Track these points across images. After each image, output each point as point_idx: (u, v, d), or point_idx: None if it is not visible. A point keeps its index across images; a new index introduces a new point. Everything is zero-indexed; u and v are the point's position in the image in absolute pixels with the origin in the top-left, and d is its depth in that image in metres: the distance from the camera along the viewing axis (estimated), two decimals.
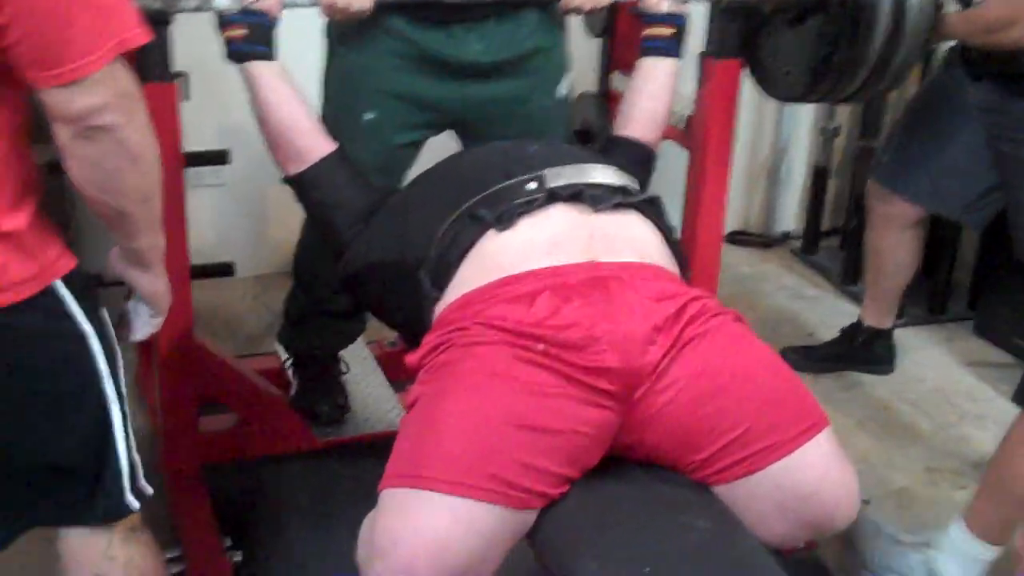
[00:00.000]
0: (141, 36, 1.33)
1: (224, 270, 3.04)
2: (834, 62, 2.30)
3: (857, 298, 3.66)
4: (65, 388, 1.44)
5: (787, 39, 2.44)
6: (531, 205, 1.83)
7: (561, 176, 1.89)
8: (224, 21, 2.06)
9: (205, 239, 3.32)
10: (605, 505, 1.68)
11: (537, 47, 2.32)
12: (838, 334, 3.26)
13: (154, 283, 1.64)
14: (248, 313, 3.40)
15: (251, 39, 2.05)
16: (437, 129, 2.39)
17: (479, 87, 2.29)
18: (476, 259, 1.82)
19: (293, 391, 2.63)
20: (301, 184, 2.10)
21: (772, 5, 2.40)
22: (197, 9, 2.02)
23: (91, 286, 1.46)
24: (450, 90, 2.28)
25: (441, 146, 2.40)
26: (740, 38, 2.43)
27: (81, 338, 1.43)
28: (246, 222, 3.54)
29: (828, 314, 3.60)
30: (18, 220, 1.36)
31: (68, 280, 1.41)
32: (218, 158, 2.71)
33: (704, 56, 2.45)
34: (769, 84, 2.54)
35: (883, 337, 3.17)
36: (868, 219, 3.09)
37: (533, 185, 1.87)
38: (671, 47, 2.30)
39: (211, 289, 3.32)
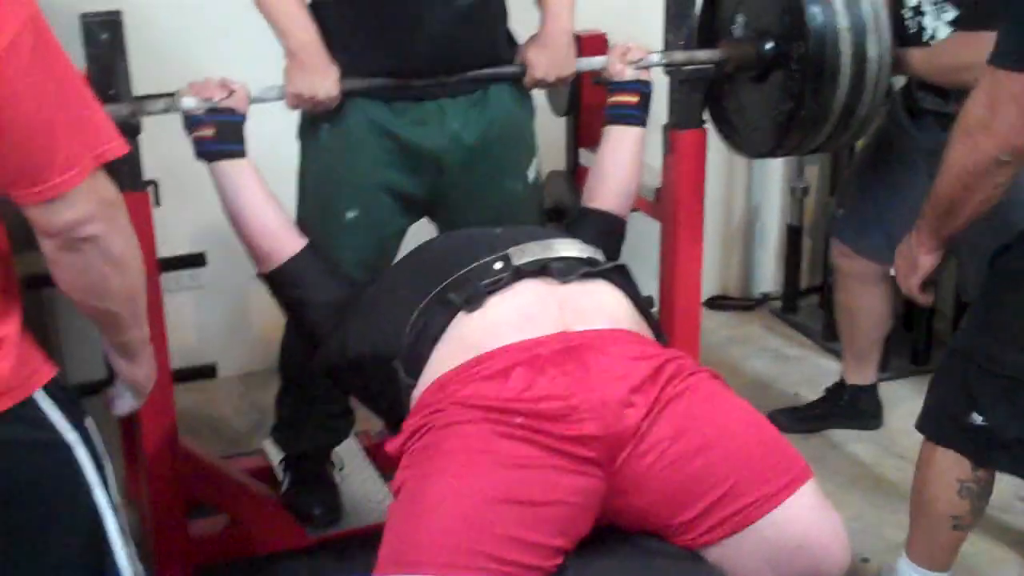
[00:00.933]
0: (119, 147, 1.33)
1: (206, 372, 3.03)
2: (799, 116, 2.34)
3: (838, 355, 3.64)
4: (54, 503, 1.39)
5: (752, 97, 2.49)
6: (498, 284, 1.86)
7: (526, 253, 1.91)
8: (191, 122, 2.08)
9: (186, 342, 3.31)
10: None
11: (510, 122, 2.36)
12: (823, 393, 3.26)
13: (137, 371, 1.65)
14: (233, 413, 3.38)
15: (220, 138, 2.07)
16: (418, 216, 2.42)
17: (455, 175, 2.31)
18: (448, 342, 1.83)
19: (284, 488, 2.61)
20: (273, 282, 2.14)
21: (734, 65, 2.44)
22: (165, 111, 2.05)
23: (73, 395, 1.43)
24: (427, 181, 2.31)
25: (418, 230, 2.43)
26: (702, 106, 2.47)
27: (66, 448, 1.39)
28: (226, 322, 3.54)
29: (812, 373, 3.60)
30: (1, 330, 1.34)
31: (49, 389, 1.38)
32: (195, 261, 2.72)
33: (668, 128, 2.48)
34: (737, 142, 2.58)
35: (868, 393, 3.17)
36: (835, 278, 3.11)
37: (499, 265, 1.89)
38: (636, 115, 2.34)
39: (196, 391, 3.32)
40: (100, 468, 1.43)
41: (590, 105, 2.83)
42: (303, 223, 2.27)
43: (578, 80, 2.80)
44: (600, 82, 2.39)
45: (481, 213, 2.31)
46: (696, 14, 2.45)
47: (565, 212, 2.92)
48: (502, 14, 2.32)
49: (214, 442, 3.17)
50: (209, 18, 3.07)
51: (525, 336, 1.77)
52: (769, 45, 2.38)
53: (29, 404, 1.35)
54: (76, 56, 2.14)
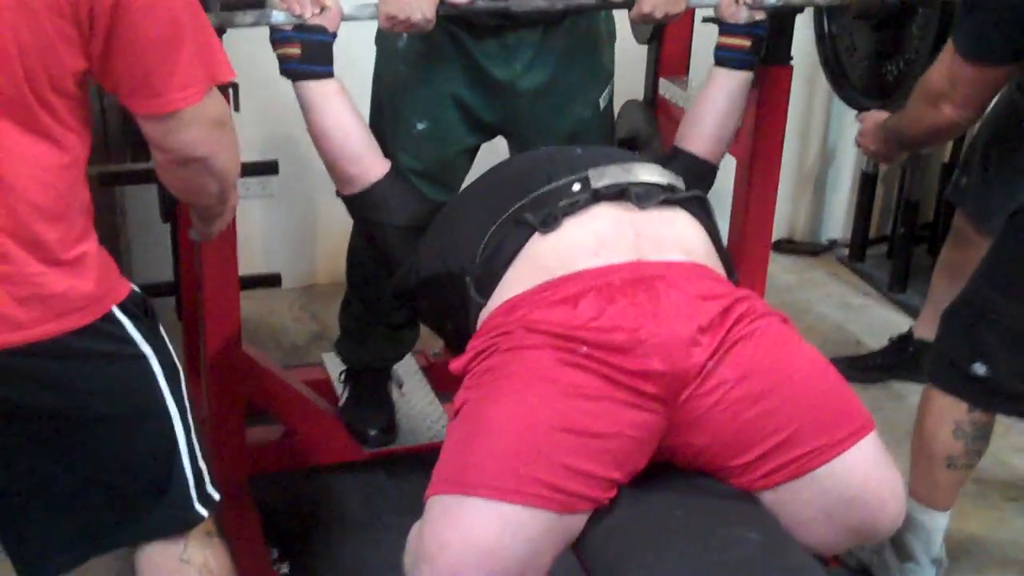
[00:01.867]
0: (230, 71, 1.45)
1: (272, 281, 3.05)
2: (912, 76, 2.28)
3: (904, 307, 3.63)
4: (128, 410, 1.48)
5: (869, 44, 2.45)
6: (575, 206, 1.84)
7: (605, 176, 1.88)
8: (278, 38, 2.02)
9: (253, 250, 3.33)
10: (654, 517, 1.67)
11: (588, 50, 2.32)
12: (887, 344, 3.22)
13: (211, 228, 1.81)
14: (294, 324, 3.41)
15: (306, 58, 2.01)
16: (488, 136, 2.40)
17: (525, 103, 2.29)
18: (521, 263, 1.82)
19: (342, 402, 2.64)
20: (354, 205, 2.12)
21: (856, 10, 2.37)
22: (254, 24, 2.00)
23: (148, 308, 1.51)
24: (498, 104, 2.29)
25: (495, 149, 2.41)
26: (790, 41, 2.41)
27: (141, 359, 1.47)
28: (293, 233, 3.55)
29: (875, 323, 3.57)
30: (81, 248, 1.41)
31: (124, 305, 1.46)
32: (267, 169, 2.72)
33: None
34: (846, 89, 2.55)
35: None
36: (952, 236, 3.02)
37: (577, 186, 1.87)
38: (748, 59, 2.24)
39: (258, 300, 3.35)
40: (173, 378, 1.51)
41: (673, 34, 2.78)
42: (374, 129, 2.26)
43: None
44: (712, 21, 2.29)
45: (549, 138, 2.29)
46: None
47: (640, 143, 2.88)
48: None
49: (275, 352, 3.21)
50: None
51: (599, 262, 1.76)
52: None
53: (108, 318, 1.43)
54: None
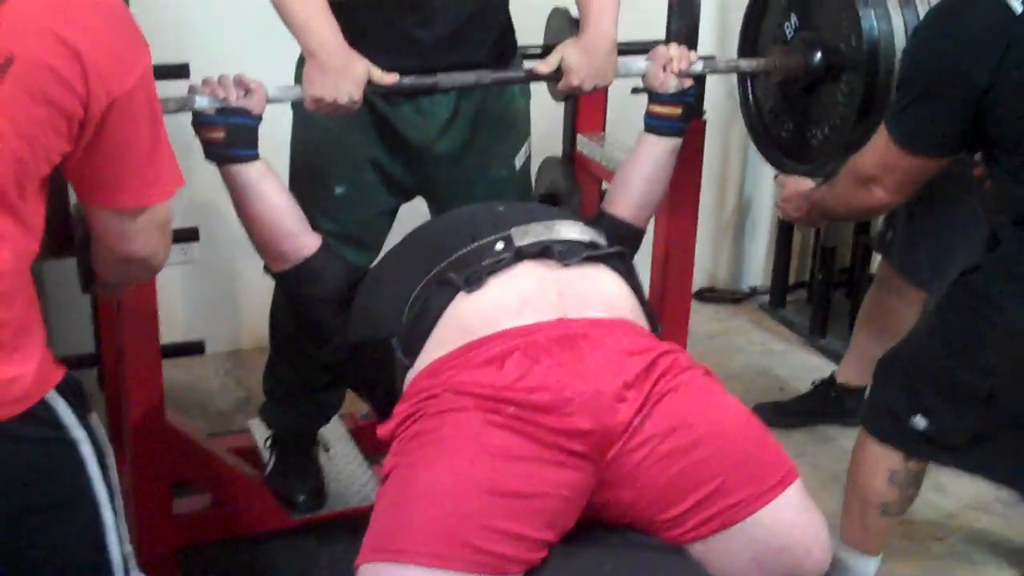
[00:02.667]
0: (181, 180, 1.54)
1: (195, 348, 3.02)
2: (842, 141, 2.31)
3: (825, 351, 3.69)
4: (59, 494, 1.47)
5: (796, 108, 2.47)
6: (499, 265, 1.85)
7: (528, 234, 1.90)
8: (200, 121, 1.97)
9: (175, 317, 3.30)
10: (584, 574, 1.67)
11: (504, 111, 2.34)
12: (810, 388, 3.26)
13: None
14: (220, 390, 3.38)
15: (231, 142, 1.96)
16: (408, 197, 2.40)
17: (442, 166, 2.30)
18: (446, 324, 1.82)
19: (268, 469, 2.61)
20: (285, 281, 2.10)
21: (780, 75, 2.40)
22: (177, 111, 1.94)
23: (80, 391, 1.50)
24: (416, 167, 2.29)
25: (416, 207, 2.42)
26: (702, 97, 2.45)
27: (73, 444, 1.47)
28: (216, 299, 3.52)
29: (798, 368, 3.61)
30: (29, 335, 1.43)
31: (59, 389, 1.46)
32: (187, 236, 2.70)
33: None
34: (772, 151, 2.57)
35: (855, 392, 3.18)
36: (877, 284, 3.05)
37: (500, 245, 1.88)
38: (678, 127, 2.25)
39: (182, 367, 3.31)
40: (102, 460, 1.51)
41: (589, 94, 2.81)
42: (293, 192, 2.26)
43: None
44: (641, 91, 2.29)
45: (467, 199, 2.29)
46: (699, 1, 2.40)
47: (559, 199, 2.91)
48: (505, 11, 2.29)
49: (200, 419, 3.17)
50: None
51: (523, 321, 1.77)
52: (818, 57, 2.34)
53: (42, 405, 1.44)
54: None
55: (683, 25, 2.38)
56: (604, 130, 2.90)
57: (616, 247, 1.98)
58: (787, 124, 2.53)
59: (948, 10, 2.01)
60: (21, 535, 1.45)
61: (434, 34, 2.15)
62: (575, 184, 2.86)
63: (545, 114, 2.73)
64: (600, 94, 2.82)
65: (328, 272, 2.06)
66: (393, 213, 2.39)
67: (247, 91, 1.97)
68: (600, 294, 1.87)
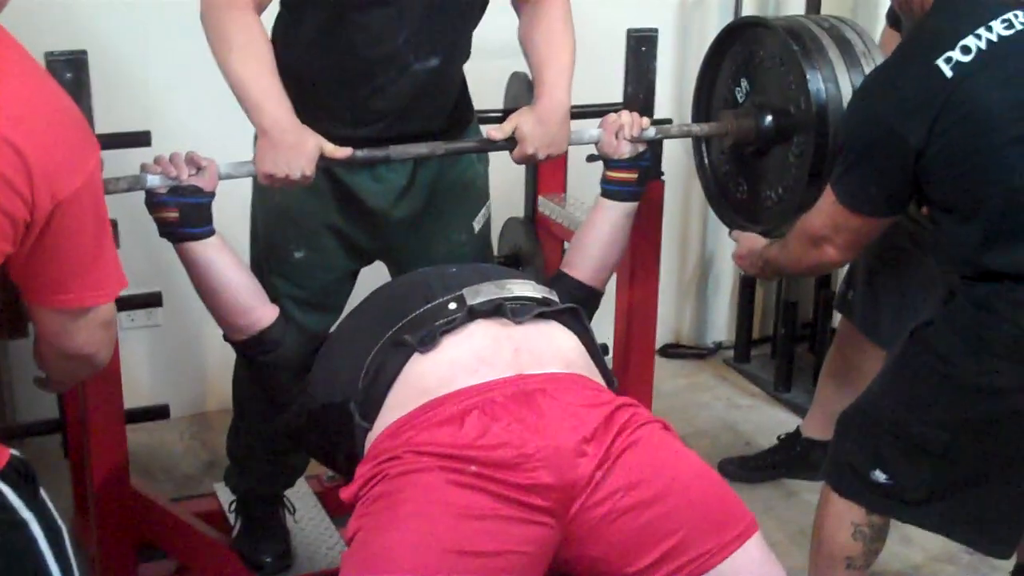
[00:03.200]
0: (125, 282, 1.57)
1: (159, 412, 3.00)
2: (796, 202, 2.34)
3: (790, 405, 3.71)
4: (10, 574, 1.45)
5: (749, 170, 2.51)
6: (453, 324, 1.86)
7: (480, 293, 1.92)
8: (154, 202, 1.97)
9: (138, 382, 3.29)
10: None
11: (462, 175, 2.35)
12: (775, 442, 3.28)
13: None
14: (185, 454, 3.36)
15: (184, 221, 1.97)
16: (368, 261, 2.41)
17: (400, 231, 2.31)
18: (403, 385, 1.83)
19: (235, 532, 2.59)
20: (244, 349, 2.11)
21: (732, 139, 2.43)
22: (128, 190, 1.96)
23: (27, 471, 1.48)
24: (374, 232, 2.30)
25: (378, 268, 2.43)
26: (659, 157, 2.49)
27: (22, 526, 1.45)
28: (180, 362, 3.52)
29: (763, 422, 3.63)
30: None
31: (4, 473, 1.45)
32: (151, 301, 2.70)
33: None
34: (727, 214, 2.60)
35: (820, 446, 3.19)
36: (838, 341, 3.07)
37: (453, 305, 1.90)
38: (634, 191, 2.28)
39: (147, 432, 3.29)
40: (53, 538, 1.48)
41: None
42: (254, 260, 2.30)
43: None
44: (596, 159, 2.31)
45: (426, 262, 2.30)
46: (654, 67, 2.45)
47: (521, 260, 2.94)
48: (460, 80, 2.32)
49: (165, 484, 3.15)
50: (176, 58, 3.06)
51: (479, 380, 1.78)
52: (769, 120, 2.39)
53: None
54: None
55: (639, 90, 2.42)
56: (565, 191, 2.94)
57: (568, 304, 2.00)
58: (742, 186, 2.56)
59: (884, 75, 2.08)
60: None
61: (391, 105, 2.16)
62: (537, 244, 2.89)
63: (507, 176, 2.76)
64: (561, 155, 2.85)
65: (286, 342, 2.08)
66: (354, 276, 2.40)
67: (199, 169, 1.98)
68: (555, 350, 1.89)
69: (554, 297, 2.01)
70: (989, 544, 2.22)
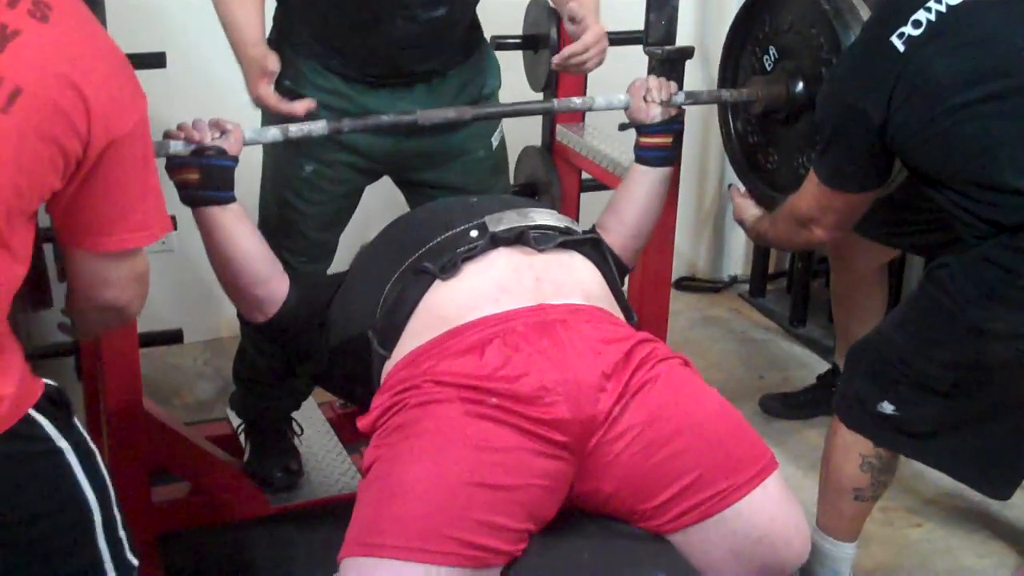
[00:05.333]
0: (170, 226, 1.57)
1: (173, 337, 3.01)
2: None
3: (805, 340, 3.70)
4: (49, 502, 1.48)
5: (778, 137, 2.48)
6: (474, 251, 1.85)
7: (502, 221, 1.90)
8: (174, 164, 1.93)
9: (153, 306, 3.27)
10: (564, 562, 1.68)
11: (471, 102, 2.33)
12: (815, 381, 3.27)
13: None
14: (198, 378, 3.37)
15: (206, 183, 1.93)
16: (374, 177, 2.41)
17: (415, 141, 2.29)
18: (423, 313, 1.82)
19: (246, 456, 2.61)
20: (264, 331, 2.10)
21: (761, 105, 2.41)
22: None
23: (61, 399, 1.51)
24: (386, 143, 2.28)
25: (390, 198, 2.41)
26: (680, 86, 2.44)
27: (58, 454, 1.47)
28: (194, 287, 3.51)
29: (777, 357, 3.63)
30: (6, 355, 1.44)
31: (40, 404, 1.47)
32: None
33: None
34: (757, 181, 2.57)
35: None
36: (833, 269, 3.09)
37: (475, 233, 1.89)
38: (669, 156, 2.24)
39: (160, 356, 3.30)
40: (88, 464, 1.52)
41: (568, 81, 2.81)
42: (264, 180, 2.30)
43: (556, 54, 2.79)
44: (628, 127, 2.28)
45: (441, 175, 2.31)
46: None
47: (538, 188, 2.91)
48: (469, 19, 2.29)
49: (178, 407, 3.17)
50: None
51: (500, 308, 1.77)
52: (800, 87, 2.36)
53: (25, 420, 1.45)
54: None
55: (661, 17, 2.38)
56: (583, 119, 2.90)
57: (590, 234, 1.98)
58: (772, 155, 2.53)
59: (847, 56, 2.14)
60: (17, 547, 1.46)
61: (396, 47, 2.17)
62: (554, 173, 2.86)
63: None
64: (578, 83, 2.83)
65: (302, 311, 2.05)
66: (359, 194, 2.40)
67: (223, 132, 1.95)
68: (576, 281, 1.87)
69: (576, 227, 1.99)
70: (989, 484, 2.25)
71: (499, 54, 2.49)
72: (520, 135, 2.67)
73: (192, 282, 3.49)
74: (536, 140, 2.98)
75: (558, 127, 2.86)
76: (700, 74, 3.86)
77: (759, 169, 2.58)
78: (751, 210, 2.52)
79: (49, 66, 1.35)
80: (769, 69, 2.47)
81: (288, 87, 2.17)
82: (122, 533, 1.57)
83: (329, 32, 2.19)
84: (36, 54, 1.34)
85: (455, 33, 2.24)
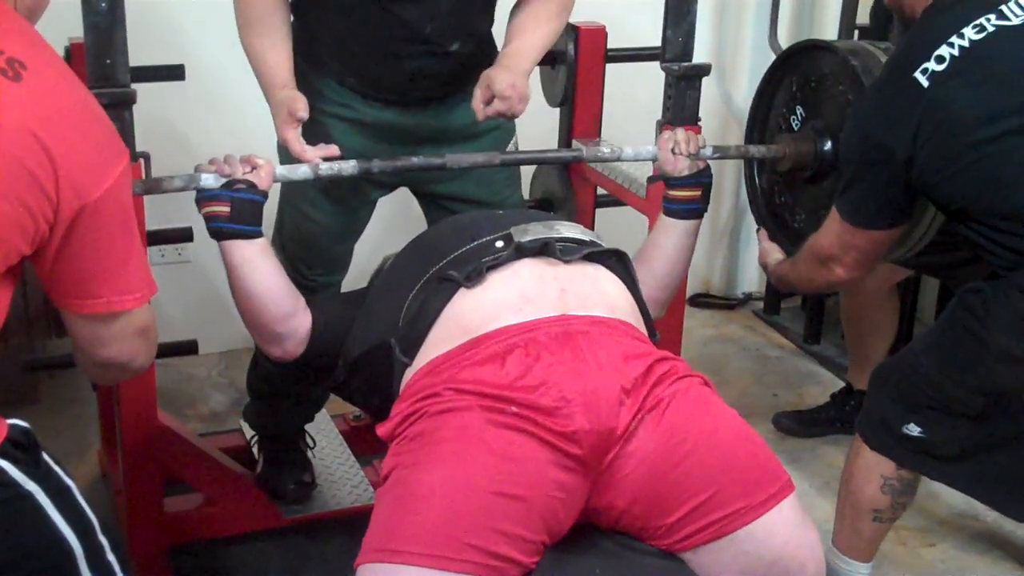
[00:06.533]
0: (154, 290, 1.54)
1: (188, 348, 3.02)
2: None
3: (819, 358, 3.70)
4: (23, 546, 1.44)
5: (803, 196, 2.49)
6: (499, 260, 1.84)
7: (528, 232, 1.90)
8: (203, 196, 1.94)
9: (168, 317, 3.30)
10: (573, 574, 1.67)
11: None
12: (829, 399, 3.26)
13: None
14: (212, 390, 3.38)
15: (235, 217, 1.93)
16: (389, 189, 2.42)
17: (432, 152, 2.30)
18: (446, 322, 1.82)
19: (259, 468, 2.61)
20: (291, 366, 2.09)
21: (789, 162, 2.41)
22: (182, 189, 1.95)
23: (26, 440, 1.46)
24: (400, 151, 2.28)
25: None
26: (697, 102, 2.45)
27: (26, 498, 1.43)
28: (209, 298, 3.52)
29: (791, 374, 3.62)
30: None
31: (2, 449, 1.43)
32: (182, 236, 2.70)
33: (662, 124, 2.48)
34: (783, 239, 2.57)
35: None
36: (844, 291, 3.09)
37: (500, 243, 1.88)
38: (698, 209, 2.22)
39: (175, 367, 3.31)
40: (63, 500, 1.47)
41: (585, 97, 2.82)
42: (281, 193, 2.33)
43: (573, 71, 2.80)
44: (656, 180, 2.27)
45: (457, 186, 2.32)
46: (695, 10, 2.41)
47: (555, 203, 2.92)
48: (483, 45, 2.31)
49: (193, 420, 3.17)
50: None
51: (523, 318, 1.76)
52: (828, 145, 2.36)
53: None
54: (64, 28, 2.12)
55: (678, 34, 2.39)
56: (599, 135, 2.91)
57: (615, 247, 1.97)
58: (799, 215, 2.54)
59: (872, 92, 2.14)
60: None
61: (410, 76, 2.21)
62: (570, 189, 2.87)
63: (540, 119, 2.74)
64: (595, 99, 2.83)
65: (328, 342, 2.03)
66: (373, 205, 2.42)
67: (254, 167, 1.96)
68: (600, 293, 1.87)
69: (602, 241, 1.99)
70: (1017, 507, 2.24)
71: None
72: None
73: (207, 293, 3.50)
74: None
75: (574, 143, 2.86)
76: (716, 91, 3.88)
77: (785, 226, 2.58)
78: (775, 254, 2.53)
79: (22, 126, 1.32)
80: (796, 128, 2.48)
81: None
82: (110, 557, 1.53)
83: (345, 55, 2.21)
84: (4, 114, 1.31)
85: (466, 64, 2.26)
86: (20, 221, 1.34)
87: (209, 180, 1.93)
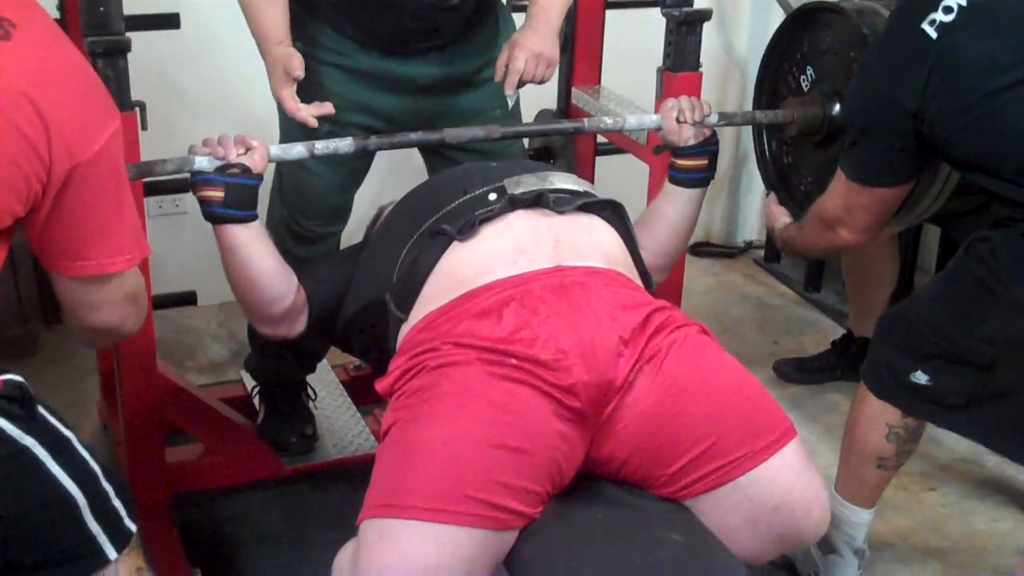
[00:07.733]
0: (147, 250, 1.55)
1: (187, 299, 3.01)
2: None
3: (819, 305, 3.69)
4: (28, 499, 1.45)
5: (812, 160, 2.48)
6: (492, 213, 1.84)
7: (521, 184, 1.89)
8: (198, 180, 1.92)
9: (167, 268, 3.29)
10: (579, 524, 1.67)
11: (488, 62, 2.32)
12: (829, 346, 3.26)
13: None
14: (212, 341, 3.37)
15: (230, 201, 1.91)
16: None
17: (433, 100, 2.29)
18: (440, 275, 1.81)
19: (260, 419, 2.61)
20: (285, 343, 2.10)
21: (797, 128, 2.39)
22: (175, 172, 1.94)
23: (21, 394, 1.46)
24: (404, 103, 2.28)
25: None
26: (699, 47, 2.43)
27: (23, 452, 1.44)
28: (208, 250, 3.48)
29: (792, 322, 3.62)
30: None
31: None
32: (179, 187, 2.69)
33: (663, 70, 2.45)
34: (791, 203, 2.56)
35: None
36: None
37: (493, 195, 1.87)
38: (703, 178, 2.21)
39: (174, 319, 3.31)
40: (61, 451, 1.48)
41: (584, 44, 2.80)
42: (280, 142, 2.29)
43: (572, 18, 2.78)
44: (663, 150, 2.23)
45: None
46: None
47: (553, 152, 2.90)
48: (490, 11, 2.30)
49: (192, 370, 3.17)
50: None
51: (518, 270, 1.76)
52: (837, 109, 2.33)
53: None
54: None
55: None
56: (599, 83, 2.88)
57: (610, 197, 1.96)
58: (806, 178, 2.52)
59: (876, 46, 2.11)
60: (6, 545, 1.45)
61: (409, 27, 2.19)
62: (570, 137, 2.85)
63: None
64: (594, 46, 2.81)
65: (324, 319, 2.05)
66: (372, 156, 2.38)
67: (248, 149, 1.93)
68: (596, 244, 1.86)
69: (595, 192, 1.97)
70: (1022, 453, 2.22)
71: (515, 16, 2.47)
72: (535, 98, 2.65)
73: (205, 244, 3.44)
74: (552, 103, 2.96)
75: (574, 90, 2.84)
76: (717, 39, 3.85)
77: (792, 190, 2.57)
78: (782, 219, 2.51)
79: (15, 88, 1.32)
80: (806, 90, 2.45)
81: (300, 49, 2.15)
82: (116, 503, 1.55)
83: (343, 4, 2.19)
84: (3, 75, 1.31)
85: (475, 16, 2.25)
86: (13, 182, 1.34)
87: (203, 163, 1.91)
